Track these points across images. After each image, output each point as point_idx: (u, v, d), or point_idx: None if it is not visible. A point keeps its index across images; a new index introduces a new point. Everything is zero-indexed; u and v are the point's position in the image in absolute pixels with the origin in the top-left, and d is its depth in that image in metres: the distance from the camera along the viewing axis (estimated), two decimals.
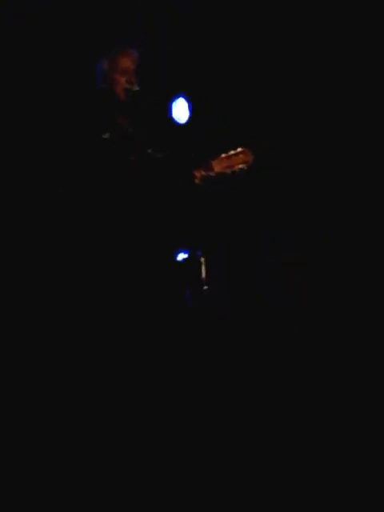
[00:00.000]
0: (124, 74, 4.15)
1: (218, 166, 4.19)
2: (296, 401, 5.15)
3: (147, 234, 4.05)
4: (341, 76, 5.51)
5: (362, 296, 5.59)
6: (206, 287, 4.70)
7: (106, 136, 4.04)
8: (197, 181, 4.10)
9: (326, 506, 3.90)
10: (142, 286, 4.03)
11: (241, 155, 4.24)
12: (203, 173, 4.13)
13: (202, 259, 4.86)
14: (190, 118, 5.96)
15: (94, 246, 3.96)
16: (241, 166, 4.23)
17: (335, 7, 5.25)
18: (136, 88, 4.15)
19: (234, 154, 4.23)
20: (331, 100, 5.55)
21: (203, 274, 4.88)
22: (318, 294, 5.74)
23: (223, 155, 4.22)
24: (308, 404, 5.07)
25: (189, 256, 5.23)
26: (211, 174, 4.16)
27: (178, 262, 5.20)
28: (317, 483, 4.10)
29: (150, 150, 4.13)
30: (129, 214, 3.99)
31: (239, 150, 4.23)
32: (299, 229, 5.80)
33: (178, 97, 5.97)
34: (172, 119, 5.96)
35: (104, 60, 4.21)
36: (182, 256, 5.53)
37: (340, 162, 5.65)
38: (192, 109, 5.96)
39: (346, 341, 5.49)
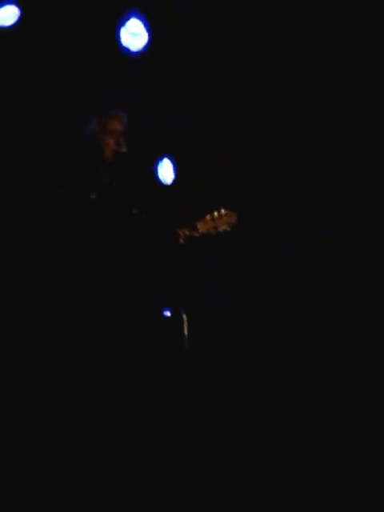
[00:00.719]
0: (113, 136, 4.25)
1: (202, 227, 4.27)
2: (295, 400, 5.18)
3: (132, 291, 4.12)
4: (341, 85, 5.56)
5: (361, 296, 5.59)
6: (187, 344, 4.74)
7: (93, 196, 4.13)
8: (181, 240, 4.18)
9: (326, 506, 3.93)
10: (127, 341, 4.08)
11: (224, 217, 4.32)
12: (187, 233, 4.21)
13: (185, 317, 4.90)
14: (176, 179, 6.07)
15: (77, 304, 4.01)
16: (224, 227, 4.32)
17: (335, 10, 5.28)
18: (124, 150, 4.25)
19: (218, 216, 4.32)
20: (331, 102, 5.58)
21: (185, 332, 4.92)
22: (318, 293, 5.73)
23: (208, 216, 4.31)
24: (308, 403, 5.09)
25: (172, 314, 5.27)
26: (195, 234, 4.25)
27: (163, 318, 5.25)
28: (316, 483, 4.12)
29: (135, 210, 4.22)
30: (113, 272, 4.06)
31: (223, 211, 4.32)
32: (299, 229, 5.81)
33: (164, 158, 6.09)
34: (158, 180, 6.07)
35: (93, 121, 4.31)
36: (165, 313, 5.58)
37: (340, 162, 5.68)
38: (177, 170, 6.08)
39: (346, 341, 5.49)
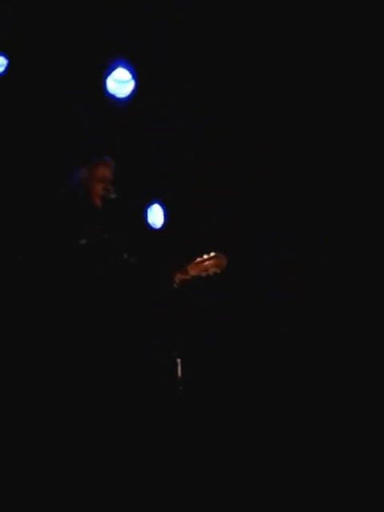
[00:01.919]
0: (101, 182, 4.28)
1: (193, 270, 4.29)
2: (295, 400, 5.16)
3: (125, 336, 4.12)
4: (341, 85, 5.53)
5: (361, 296, 5.57)
6: (181, 388, 4.73)
7: (83, 242, 4.14)
8: (175, 285, 4.20)
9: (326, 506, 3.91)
10: (122, 385, 4.08)
11: (214, 259, 4.34)
12: (180, 276, 4.23)
13: (178, 360, 4.89)
14: (165, 223, 6.10)
15: (70, 349, 4.01)
16: (215, 269, 4.34)
17: (335, 10, 5.25)
18: (113, 196, 4.28)
19: (208, 259, 4.34)
20: (330, 103, 5.56)
21: (179, 375, 4.91)
22: (318, 293, 5.72)
23: (198, 259, 4.33)
24: (308, 402, 5.07)
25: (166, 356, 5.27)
26: (187, 278, 4.26)
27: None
28: (316, 483, 4.11)
29: (125, 256, 4.23)
30: (105, 319, 4.05)
31: (213, 254, 4.34)
32: (299, 229, 5.81)
33: (153, 203, 6.13)
34: (148, 224, 6.09)
35: (82, 168, 4.34)
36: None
37: (340, 163, 5.68)
38: (167, 214, 6.11)
39: (346, 340, 5.48)
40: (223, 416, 5.17)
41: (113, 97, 5.45)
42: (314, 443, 4.78)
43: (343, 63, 5.42)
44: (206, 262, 4.32)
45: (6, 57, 5.17)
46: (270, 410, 5.14)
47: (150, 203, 6.09)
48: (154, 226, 6.12)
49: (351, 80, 5.44)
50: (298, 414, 5.11)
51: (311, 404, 5.12)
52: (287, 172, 5.78)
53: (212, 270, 4.33)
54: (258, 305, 5.76)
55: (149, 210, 6.11)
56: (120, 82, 5.43)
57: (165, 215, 6.12)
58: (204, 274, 4.31)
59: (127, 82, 5.44)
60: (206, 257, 4.33)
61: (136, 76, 5.44)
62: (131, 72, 5.42)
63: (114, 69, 5.41)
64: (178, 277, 4.22)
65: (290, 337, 5.63)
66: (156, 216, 6.14)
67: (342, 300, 5.62)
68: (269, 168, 5.76)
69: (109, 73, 5.41)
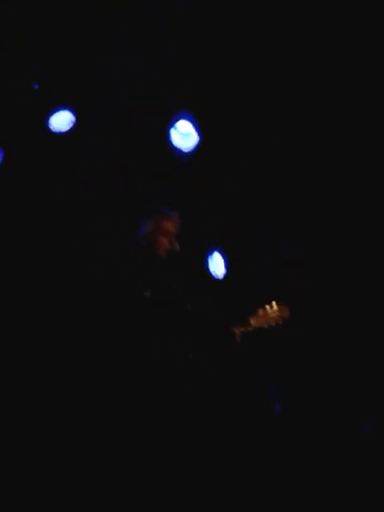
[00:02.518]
0: (166, 236, 4.38)
1: (255, 322, 4.32)
2: (295, 399, 5.14)
3: (189, 385, 4.18)
4: (340, 87, 5.51)
5: (361, 296, 5.56)
6: None
7: (148, 294, 4.23)
8: (237, 339, 4.23)
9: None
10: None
11: (277, 310, 4.36)
12: (242, 329, 4.26)
13: None
14: (227, 272, 6.15)
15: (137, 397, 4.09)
16: (277, 320, 4.36)
17: (334, 10, 5.19)
18: (177, 249, 4.36)
19: (270, 309, 4.36)
20: (330, 105, 5.54)
21: None
22: (318, 293, 5.71)
23: (260, 311, 4.36)
24: (308, 402, 5.03)
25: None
26: (249, 329, 4.29)
27: None
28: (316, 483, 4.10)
29: (189, 307, 4.30)
30: (171, 368, 4.12)
31: (274, 305, 4.37)
32: (299, 228, 5.82)
33: (214, 252, 6.19)
34: (209, 274, 6.15)
35: (147, 222, 4.45)
36: None
37: (340, 163, 5.68)
38: (228, 263, 6.16)
39: (346, 341, 5.47)
40: (223, 416, 5.17)
41: (177, 149, 5.55)
42: (314, 443, 4.78)
43: (343, 63, 5.38)
44: (269, 313, 4.35)
45: (74, 113, 5.31)
46: (269, 410, 5.14)
47: (212, 252, 6.15)
48: (215, 276, 6.17)
49: (351, 80, 5.42)
50: (297, 412, 5.11)
51: (312, 402, 5.11)
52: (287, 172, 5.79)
53: (274, 321, 4.36)
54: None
55: (210, 260, 6.17)
56: (184, 135, 5.52)
57: (226, 264, 6.17)
58: (266, 324, 4.34)
59: (191, 135, 5.53)
60: (268, 308, 4.36)
61: (199, 129, 5.52)
62: (194, 125, 5.51)
63: (178, 121, 5.51)
64: (240, 329, 4.25)
65: (291, 336, 5.62)
66: (217, 265, 6.20)
67: (341, 300, 5.64)
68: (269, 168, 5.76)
69: (173, 125, 5.51)
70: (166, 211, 4.48)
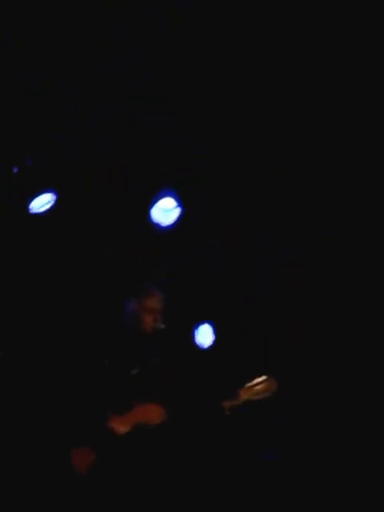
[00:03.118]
0: (151, 314, 4.39)
1: (244, 395, 4.31)
2: (295, 399, 5.12)
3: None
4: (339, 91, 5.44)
5: (361, 296, 5.55)
6: None
7: (135, 372, 4.23)
8: (227, 413, 4.23)
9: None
10: None
11: (265, 383, 4.36)
12: (230, 403, 4.25)
13: None
14: (214, 343, 6.14)
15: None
16: (265, 393, 4.35)
17: (333, 12, 5.08)
18: (162, 326, 4.38)
19: (259, 383, 4.36)
20: (330, 106, 5.47)
21: None
22: (318, 294, 5.68)
23: (249, 384, 4.35)
24: (309, 403, 4.97)
25: None
26: (238, 403, 4.28)
27: None
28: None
29: (176, 383, 4.30)
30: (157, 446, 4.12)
31: (263, 377, 4.36)
32: (299, 229, 5.78)
33: (202, 323, 6.19)
34: (196, 345, 6.14)
35: (132, 300, 4.47)
36: None
37: (340, 163, 5.64)
38: (216, 334, 6.16)
39: (346, 340, 5.45)
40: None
41: (157, 225, 5.59)
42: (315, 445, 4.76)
43: (343, 63, 5.32)
44: (257, 386, 4.35)
45: (55, 193, 5.35)
46: (269, 411, 5.11)
47: (198, 324, 6.16)
48: (202, 347, 6.17)
49: (351, 80, 5.37)
50: (297, 411, 5.08)
51: (312, 402, 5.08)
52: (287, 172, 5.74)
53: (263, 394, 4.35)
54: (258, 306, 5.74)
55: (197, 331, 6.18)
56: (165, 211, 5.57)
57: (214, 334, 6.17)
58: (255, 398, 4.33)
59: (172, 210, 5.58)
60: (256, 381, 4.35)
61: (181, 204, 5.56)
62: (176, 200, 5.56)
63: (159, 198, 5.55)
64: (228, 404, 4.24)
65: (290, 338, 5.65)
66: (205, 336, 6.20)
67: (341, 300, 5.63)
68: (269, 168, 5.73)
69: (154, 202, 5.55)
70: (150, 290, 4.50)
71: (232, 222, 5.75)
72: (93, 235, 5.56)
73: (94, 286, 5.51)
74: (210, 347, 6.14)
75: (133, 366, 4.30)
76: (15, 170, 5.28)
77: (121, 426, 4.10)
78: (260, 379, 4.36)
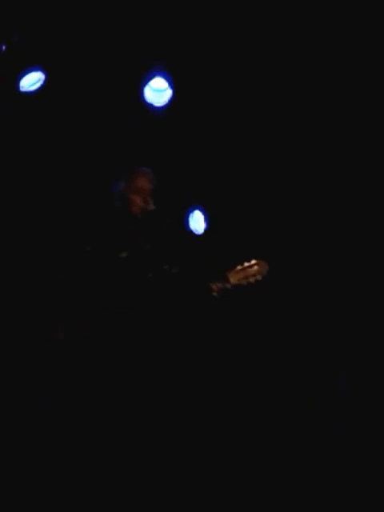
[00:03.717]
0: (140, 194, 4.29)
1: (233, 278, 4.26)
2: (295, 399, 5.22)
3: (165, 348, 4.15)
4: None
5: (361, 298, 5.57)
6: None
7: (123, 255, 4.17)
8: (214, 294, 4.19)
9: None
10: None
11: (256, 266, 4.30)
12: (220, 285, 4.22)
13: None
14: (207, 229, 6.11)
15: (107, 361, 4.05)
16: (256, 277, 4.31)
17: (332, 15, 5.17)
18: (152, 207, 4.29)
19: (249, 266, 4.31)
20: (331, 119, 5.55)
21: None
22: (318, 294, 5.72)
23: (239, 267, 4.31)
24: (309, 402, 5.08)
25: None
26: (227, 286, 4.25)
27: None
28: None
29: (166, 266, 4.25)
30: (147, 329, 4.08)
31: (254, 261, 4.32)
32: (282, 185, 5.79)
33: (194, 209, 6.14)
34: (189, 231, 6.11)
35: (120, 181, 4.36)
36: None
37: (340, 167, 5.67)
38: (208, 220, 6.11)
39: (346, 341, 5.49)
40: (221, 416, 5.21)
41: (150, 106, 5.47)
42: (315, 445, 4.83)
43: (343, 64, 5.36)
44: (247, 270, 4.31)
45: (44, 71, 5.21)
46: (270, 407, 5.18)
47: (191, 210, 6.11)
48: (195, 232, 6.13)
49: (351, 81, 5.40)
50: (296, 411, 5.15)
51: (313, 402, 5.15)
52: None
53: (253, 278, 4.31)
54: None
55: (190, 217, 6.13)
56: (157, 91, 5.44)
57: (206, 221, 6.13)
58: (245, 281, 4.29)
59: (164, 90, 5.45)
60: (246, 264, 4.31)
61: (173, 85, 5.43)
62: (168, 81, 5.42)
63: (151, 78, 5.42)
64: (218, 285, 4.21)
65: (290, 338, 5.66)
66: (197, 222, 6.15)
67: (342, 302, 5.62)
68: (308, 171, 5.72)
69: (146, 82, 5.42)
70: (139, 169, 4.38)
71: (228, 103, 5.61)
72: (84, 115, 5.43)
73: (84, 166, 5.41)
74: (204, 233, 6.12)
75: (121, 249, 4.21)
76: (3, 48, 5.12)
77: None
78: (250, 263, 4.32)
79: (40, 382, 4.37)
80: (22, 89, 5.23)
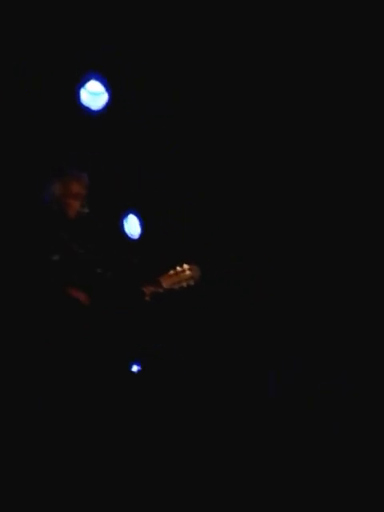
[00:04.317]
0: (75, 198, 4.28)
1: (166, 283, 4.30)
2: (296, 399, 5.29)
3: (98, 350, 4.13)
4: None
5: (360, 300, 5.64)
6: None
7: (56, 258, 4.15)
8: (146, 298, 4.21)
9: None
10: (97, 395, 4.10)
11: (188, 271, 4.35)
12: (152, 289, 4.24)
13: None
14: (142, 233, 6.12)
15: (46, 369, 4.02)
16: (188, 281, 4.35)
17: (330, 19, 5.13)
18: (86, 210, 4.29)
19: (182, 271, 4.35)
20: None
21: None
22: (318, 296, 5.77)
23: (171, 271, 4.34)
24: (310, 403, 5.12)
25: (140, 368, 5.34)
26: (160, 290, 4.27)
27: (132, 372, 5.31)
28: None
29: (99, 270, 4.24)
30: (79, 334, 4.07)
31: (186, 266, 4.35)
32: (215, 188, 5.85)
33: (129, 213, 6.15)
34: (124, 235, 6.11)
35: (55, 183, 4.34)
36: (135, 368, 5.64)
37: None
38: (143, 224, 6.13)
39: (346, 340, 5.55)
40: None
41: (86, 109, 5.46)
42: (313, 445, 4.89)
43: (343, 64, 5.36)
44: (180, 274, 4.34)
45: None
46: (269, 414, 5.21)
47: (126, 214, 6.12)
48: (130, 236, 6.14)
49: (351, 81, 5.41)
50: (296, 411, 5.19)
51: (313, 402, 5.20)
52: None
53: (185, 283, 4.35)
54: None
55: (125, 221, 6.14)
56: (94, 95, 5.43)
57: (141, 225, 6.15)
58: (177, 286, 4.32)
59: (101, 94, 5.44)
60: (179, 269, 4.34)
61: (109, 88, 5.43)
62: (104, 84, 5.42)
63: (87, 81, 5.41)
64: (150, 289, 4.22)
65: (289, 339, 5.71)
66: (133, 226, 6.17)
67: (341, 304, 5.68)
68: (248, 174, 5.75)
69: (82, 85, 5.41)
70: (74, 172, 4.38)
71: (163, 106, 5.62)
72: (19, 115, 5.39)
73: (18, 167, 5.36)
74: (139, 238, 6.14)
75: (55, 253, 4.19)
76: None
77: None
78: (182, 268, 4.35)
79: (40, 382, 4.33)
80: None
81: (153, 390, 5.30)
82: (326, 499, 4.58)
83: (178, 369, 5.71)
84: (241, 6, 5.16)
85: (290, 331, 5.78)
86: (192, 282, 4.36)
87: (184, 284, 4.34)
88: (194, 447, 4.38)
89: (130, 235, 6.17)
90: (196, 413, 4.47)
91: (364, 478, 4.76)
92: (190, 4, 5.21)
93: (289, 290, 4.71)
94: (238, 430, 5.26)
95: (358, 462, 4.93)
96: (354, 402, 5.37)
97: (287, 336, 5.79)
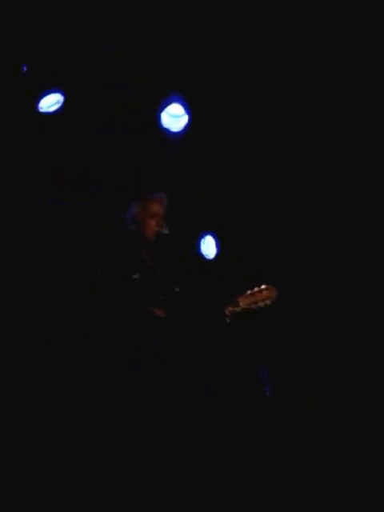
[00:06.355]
0: (154, 218, 4.37)
1: (243, 302, 4.33)
2: (296, 399, 5.24)
3: (177, 371, 4.18)
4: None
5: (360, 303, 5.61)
6: None
7: (136, 276, 4.23)
8: (227, 318, 4.25)
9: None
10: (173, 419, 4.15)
11: (265, 292, 4.38)
12: (231, 309, 4.28)
13: None
14: (218, 254, 6.16)
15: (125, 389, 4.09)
16: (265, 301, 4.38)
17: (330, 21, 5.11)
18: (165, 231, 4.36)
19: (259, 291, 4.38)
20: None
21: None
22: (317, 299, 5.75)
23: (249, 292, 4.37)
24: (310, 403, 5.08)
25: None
26: (237, 309, 4.31)
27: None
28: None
29: (177, 289, 4.30)
30: (158, 351, 4.13)
31: (263, 286, 4.38)
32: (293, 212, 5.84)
33: (206, 234, 6.20)
34: (201, 256, 6.16)
35: (135, 204, 4.44)
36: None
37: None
38: (220, 245, 6.17)
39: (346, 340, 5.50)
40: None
41: (167, 131, 5.54)
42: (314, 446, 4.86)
43: (343, 64, 5.33)
44: (257, 294, 4.37)
45: (63, 93, 5.28)
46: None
47: (204, 235, 6.17)
48: (207, 257, 6.19)
49: (351, 82, 5.38)
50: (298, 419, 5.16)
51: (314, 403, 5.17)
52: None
53: (263, 303, 4.37)
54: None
55: (202, 242, 6.19)
56: (174, 117, 5.51)
57: (217, 246, 6.19)
58: (254, 306, 4.35)
59: (181, 116, 5.52)
60: (256, 289, 4.38)
61: (189, 111, 5.50)
62: (185, 107, 5.50)
63: (168, 104, 5.49)
64: (229, 309, 4.27)
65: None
66: (209, 247, 6.22)
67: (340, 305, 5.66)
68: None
69: (163, 108, 5.49)
70: (153, 193, 4.46)
71: (244, 129, 5.67)
72: (101, 139, 5.50)
73: (100, 189, 5.47)
74: (215, 258, 6.18)
75: (133, 272, 4.27)
76: (24, 69, 5.20)
77: None
78: (260, 288, 4.38)
79: (40, 382, 4.41)
80: (40, 109, 5.30)
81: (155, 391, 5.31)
82: (326, 499, 4.55)
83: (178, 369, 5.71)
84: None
85: (289, 331, 5.77)
86: (269, 303, 4.38)
87: (261, 304, 4.36)
88: (194, 447, 4.37)
89: (206, 256, 6.22)
90: (196, 413, 4.44)
91: (364, 478, 4.72)
92: (266, 29, 5.26)
93: (289, 290, 4.63)
94: (238, 429, 5.24)
95: (357, 462, 4.88)
96: (354, 402, 5.33)
97: (287, 336, 5.77)
